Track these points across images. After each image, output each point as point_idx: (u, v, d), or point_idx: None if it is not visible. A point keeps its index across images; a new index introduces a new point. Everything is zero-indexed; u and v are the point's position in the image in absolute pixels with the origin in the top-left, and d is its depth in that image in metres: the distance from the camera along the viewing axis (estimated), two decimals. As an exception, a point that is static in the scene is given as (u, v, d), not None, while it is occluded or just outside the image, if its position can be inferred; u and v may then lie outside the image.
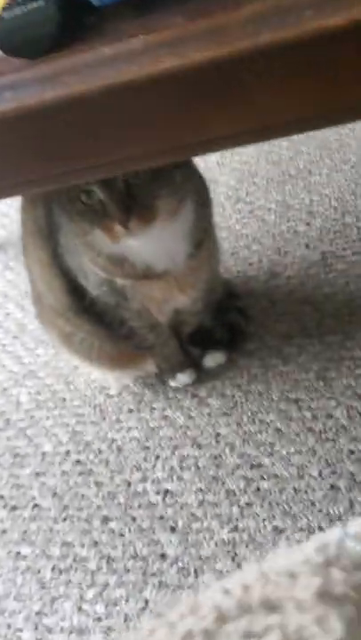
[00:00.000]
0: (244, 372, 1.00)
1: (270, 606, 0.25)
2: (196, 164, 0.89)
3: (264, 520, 0.83)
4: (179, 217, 0.80)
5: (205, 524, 0.84)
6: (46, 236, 0.89)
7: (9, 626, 0.84)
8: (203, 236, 0.86)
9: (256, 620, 0.24)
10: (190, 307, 0.94)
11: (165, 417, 0.99)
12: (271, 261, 1.17)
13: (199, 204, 0.84)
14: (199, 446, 0.93)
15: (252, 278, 1.15)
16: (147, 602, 0.80)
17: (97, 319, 0.93)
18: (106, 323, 0.93)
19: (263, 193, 1.37)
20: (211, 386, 1.00)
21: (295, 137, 1.46)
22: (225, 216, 1.30)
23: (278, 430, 0.92)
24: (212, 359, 1.01)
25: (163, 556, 0.83)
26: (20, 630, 0.83)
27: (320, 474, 0.85)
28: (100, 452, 0.99)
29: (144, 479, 0.92)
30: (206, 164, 1.40)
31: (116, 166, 0.62)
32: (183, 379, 1.00)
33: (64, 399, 1.12)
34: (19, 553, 0.92)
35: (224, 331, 1.02)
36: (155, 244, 0.79)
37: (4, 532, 0.96)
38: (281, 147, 1.48)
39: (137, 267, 0.82)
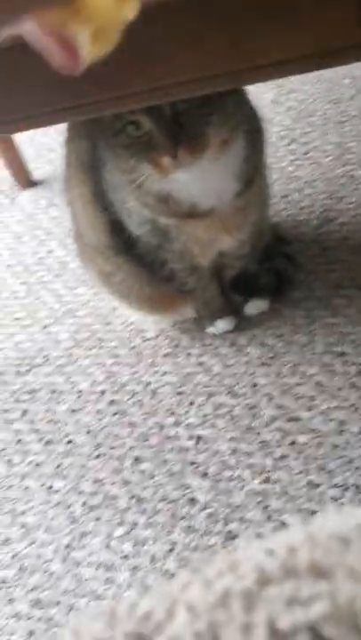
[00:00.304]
0: (287, 321, 0.96)
1: (319, 572, 0.22)
2: (249, 99, 0.83)
3: (298, 474, 0.80)
4: (229, 150, 0.75)
5: (237, 473, 0.82)
6: (89, 172, 0.86)
7: (39, 556, 0.86)
8: (253, 174, 0.81)
9: (303, 586, 0.21)
10: (235, 249, 0.89)
11: (201, 363, 0.97)
12: (324, 206, 1.11)
13: (251, 139, 0.79)
14: (235, 395, 0.91)
15: (303, 223, 1.09)
16: (174, 544, 0.79)
17: (138, 260, 0.90)
18: (146, 264, 0.90)
19: (319, 134, 1.29)
20: (251, 334, 0.97)
21: (358, 73, 1.36)
22: (278, 157, 1.23)
23: (319, 384, 0.89)
24: (255, 307, 0.97)
25: (192, 501, 0.82)
26: (50, 561, 0.85)
27: None
28: (134, 393, 0.98)
29: (177, 423, 0.91)
30: (260, 101, 1.32)
31: (164, 93, 0.58)
32: (222, 325, 0.97)
33: (102, 339, 1.11)
34: (51, 487, 0.93)
35: (269, 277, 0.97)
36: (202, 179, 0.74)
37: (39, 465, 0.97)
38: (342, 85, 1.38)
39: (182, 204, 0.78)
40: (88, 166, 0.85)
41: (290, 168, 1.21)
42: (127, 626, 0.23)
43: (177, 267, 0.89)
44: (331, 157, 1.21)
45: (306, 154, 1.22)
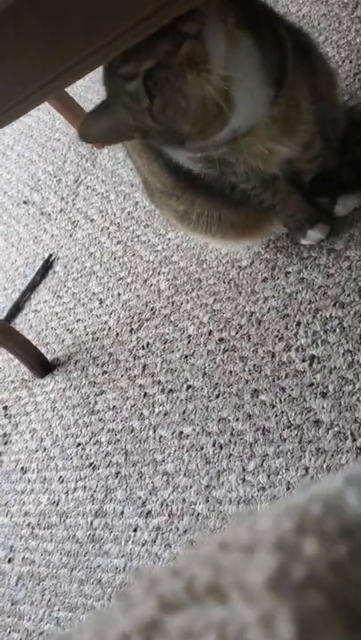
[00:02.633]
0: (383, 212, 0.87)
1: (217, 594, 0.19)
2: None
3: None
4: (238, 44, 0.66)
5: (358, 386, 0.78)
6: None
7: (184, 500, 0.89)
8: (280, 73, 0.71)
9: (199, 614, 0.18)
10: (302, 154, 0.81)
11: (302, 279, 0.91)
12: None
13: (259, 36, 0.69)
14: (342, 305, 0.84)
15: (383, 99, 0.97)
16: (307, 469, 0.78)
17: (208, 190, 0.85)
18: (218, 192, 0.85)
19: (387, -12, 1.12)
20: (347, 236, 0.89)
21: None
22: (341, 31, 1.09)
23: None
24: (344, 205, 0.89)
25: (317, 423, 0.79)
26: (194, 504, 0.87)
27: None
28: (240, 327, 0.96)
29: (288, 348, 0.87)
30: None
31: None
32: (315, 234, 0.90)
33: (199, 279, 1.09)
34: (181, 432, 0.95)
35: (353, 169, 0.88)
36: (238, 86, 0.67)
37: (167, 414, 1.00)
38: None
39: (222, 135, 0.72)
40: None
41: (358, 39, 1.07)
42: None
43: (247, 186, 0.83)
44: None
45: (372, 17, 1.07)
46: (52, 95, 0.60)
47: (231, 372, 0.93)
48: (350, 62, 1.05)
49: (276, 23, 0.74)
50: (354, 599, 0.18)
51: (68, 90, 1.52)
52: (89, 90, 1.68)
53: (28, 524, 1.11)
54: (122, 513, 0.96)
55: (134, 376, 1.10)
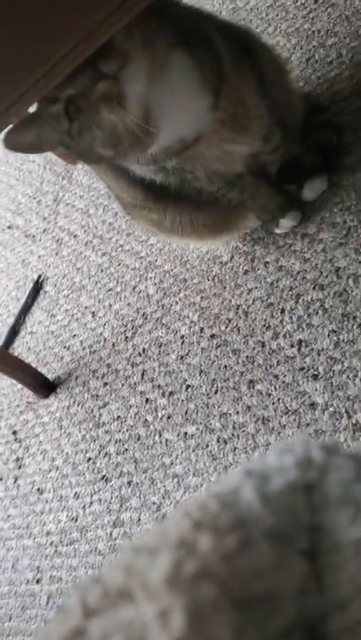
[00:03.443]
0: (350, 191, 0.88)
1: (126, 596, 0.20)
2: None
3: None
4: (168, 65, 0.68)
5: (347, 364, 0.79)
6: None
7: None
8: (217, 79, 0.72)
9: (109, 617, 0.20)
10: (263, 147, 0.82)
11: (281, 267, 0.92)
12: (353, 50, 0.98)
13: (190, 45, 0.70)
14: (321, 287, 0.86)
15: (336, 79, 0.98)
16: (308, 452, 0.79)
17: (176, 197, 0.87)
18: (185, 196, 0.86)
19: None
20: (319, 219, 0.90)
21: None
22: (289, 19, 1.11)
23: None
24: (312, 189, 0.90)
25: (312, 405, 0.81)
26: (206, 500, 0.89)
27: None
28: (229, 321, 0.97)
29: (276, 336, 0.89)
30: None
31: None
32: (287, 222, 0.91)
33: (185, 280, 1.10)
34: (186, 433, 0.97)
35: (315, 154, 0.89)
36: (165, 110, 0.68)
37: (170, 417, 1.01)
38: None
39: (170, 146, 0.73)
40: None
41: (305, 25, 1.08)
42: None
43: (213, 189, 0.84)
44: (345, -9, 1.06)
45: (317, 1, 1.08)
46: (3, 128, 0.62)
47: (226, 366, 0.94)
48: (301, 48, 1.06)
49: (208, 29, 0.74)
50: (243, 586, 0.20)
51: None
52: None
53: (51, 543, 1.13)
54: (139, 520, 0.97)
55: (134, 383, 1.12)
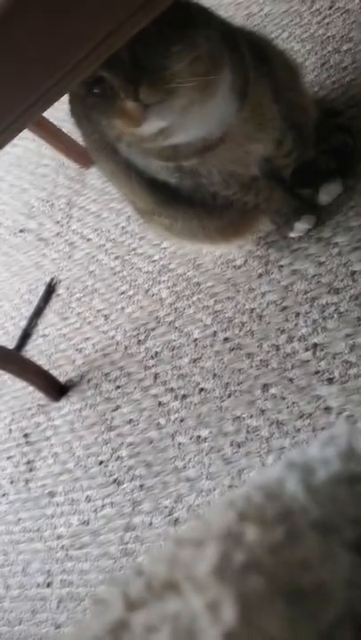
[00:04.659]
0: (366, 194, 0.88)
1: (172, 588, 0.20)
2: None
3: None
4: (209, 92, 0.69)
5: (362, 368, 0.78)
6: (105, 147, 0.84)
7: (209, 503, 0.90)
8: (244, 82, 0.73)
9: (156, 608, 0.19)
10: (276, 150, 0.83)
11: (295, 271, 0.92)
12: (369, 55, 0.99)
13: (229, 52, 0.71)
14: (336, 291, 0.85)
15: (351, 84, 0.98)
16: (323, 456, 0.78)
17: (188, 202, 0.87)
18: (199, 201, 0.86)
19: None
20: (334, 223, 0.90)
21: None
22: (303, 25, 1.11)
23: None
24: (327, 193, 0.90)
25: (327, 410, 0.80)
26: (219, 504, 0.88)
27: None
28: (242, 324, 0.97)
29: (290, 339, 0.88)
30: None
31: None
32: (302, 226, 0.91)
33: (198, 283, 1.10)
34: (199, 436, 0.96)
35: (330, 157, 0.89)
36: (194, 115, 0.69)
37: (182, 420, 1.01)
38: None
39: (192, 144, 0.73)
40: (101, 143, 0.83)
41: (320, 31, 1.08)
42: None
43: (228, 192, 0.84)
44: (360, -3, 1.07)
45: (331, 7, 1.09)
46: (18, 132, 0.62)
47: (240, 369, 0.94)
48: (316, 54, 1.06)
49: (237, 36, 0.75)
50: (291, 577, 0.20)
51: (49, 116, 1.55)
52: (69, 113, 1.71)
53: (62, 547, 1.12)
54: (150, 524, 0.97)
55: (147, 386, 1.12)
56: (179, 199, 0.85)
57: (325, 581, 0.19)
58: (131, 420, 1.11)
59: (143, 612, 0.20)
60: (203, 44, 0.65)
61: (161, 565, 0.22)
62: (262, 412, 0.88)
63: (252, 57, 0.74)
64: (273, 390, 0.88)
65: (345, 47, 1.02)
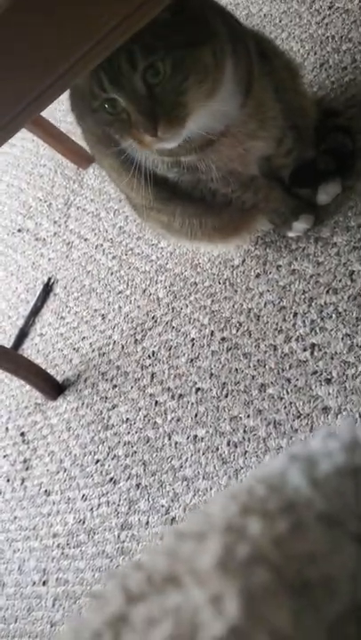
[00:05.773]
0: (364, 195, 0.88)
1: (173, 581, 0.20)
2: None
3: None
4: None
5: (360, 368, 0.78)
6: (106, 142, 0.84)
7: (206, 502, 0.90)
8: (248, 78, 0.73)
9: (157, 602, 0.19)
10: (276, 148, 0.83)
11: (294, 271, 0.92)
12: (368, 56, 0.99)
13: (234, 47, 0.71)
14: (335, 291, 0.85)
15: (351, 84, 0.98)
16: (320, 456, 0.78)
17: (187, 199, 0.87)
18: (197, 198, 0.86)
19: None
20: (333, 223, 0.90)
21: None
22: (302, 25, 1.11)
23: None
24: (326, 193, 0.90)
25: (325, 410, 0.80)
26: (215, 503, 0.88)
27: None
28: (240, 324, 0.97)
29: (288, 339, 0.88)
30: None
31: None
32: (301, 225, 0.91)
33: (195, 283, 1.10)
34: (196, 436, 0.96)
35: (329, 158, 0.89)
36: (199, 114, 0.69)
37: (179, 420, 1.01)
38: None
39: (193, 140, 0.73)
40: (103, 138, 0.83)
41: (320, 31, 1.08)
42: None
43: (227, 190, 0.84)
44: (359, -2, 1.07)
45: (331, 7, 1.09)
46: (18, 129, 0.62)
47: (237, 369, 0.94)
48: (315, 54, 1.06)
49: (243, 34, 0.75)
50: (296, 570, 0.20)
51: (47, 115, 1.55)
52: (68, 113, 1.71)
53: (58, 545, 1.12)
54: (147, 523, 0.97)
55: (144, 386, 1.11)
56: (178, 195, 0.85)
57: (331, 574, 0.19)
58: (127, 419, 1.10)
59: (144, 605, 0.20)
60: (213, 59, 0.66)
61: (161, 559, 0.22)
62: (260, 412, 0.88)
63: (257, 53, 0.75)
64: (270, 390, 0.88)
65: (344, 47, 1.02)
